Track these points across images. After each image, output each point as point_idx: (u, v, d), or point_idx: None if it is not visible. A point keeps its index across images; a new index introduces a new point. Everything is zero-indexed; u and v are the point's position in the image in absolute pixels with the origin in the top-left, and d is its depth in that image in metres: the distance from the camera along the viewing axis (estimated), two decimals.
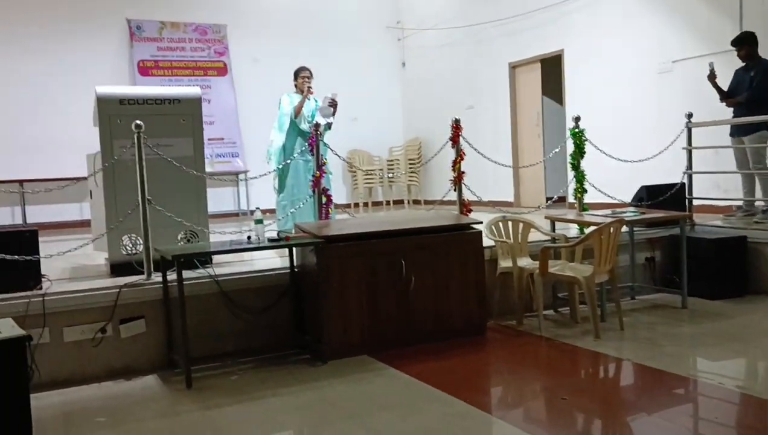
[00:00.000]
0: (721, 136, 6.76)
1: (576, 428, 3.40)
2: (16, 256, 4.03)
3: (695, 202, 6.60)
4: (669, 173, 6.61)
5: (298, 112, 6.22)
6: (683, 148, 6.45)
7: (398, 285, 4.52)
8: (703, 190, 6.78)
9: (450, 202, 6.25)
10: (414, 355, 4.38)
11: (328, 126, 6.06)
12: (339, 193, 10.00)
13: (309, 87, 6.31)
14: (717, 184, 7.19)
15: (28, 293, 4.06)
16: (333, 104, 6.13)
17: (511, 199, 9.92)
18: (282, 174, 6.26)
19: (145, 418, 3.56)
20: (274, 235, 4.53)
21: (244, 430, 3.44)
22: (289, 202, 6.16)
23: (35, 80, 9.70)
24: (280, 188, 6.30)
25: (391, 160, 11.96)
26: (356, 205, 11.19)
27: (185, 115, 4.93)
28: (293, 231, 4.93)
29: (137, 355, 4.34)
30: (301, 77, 6.38)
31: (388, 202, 11.87)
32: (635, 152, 6.77)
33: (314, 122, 5.65)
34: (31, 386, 3.37)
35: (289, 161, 6.09)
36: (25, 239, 4.15)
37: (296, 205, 5.95)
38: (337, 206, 5.89)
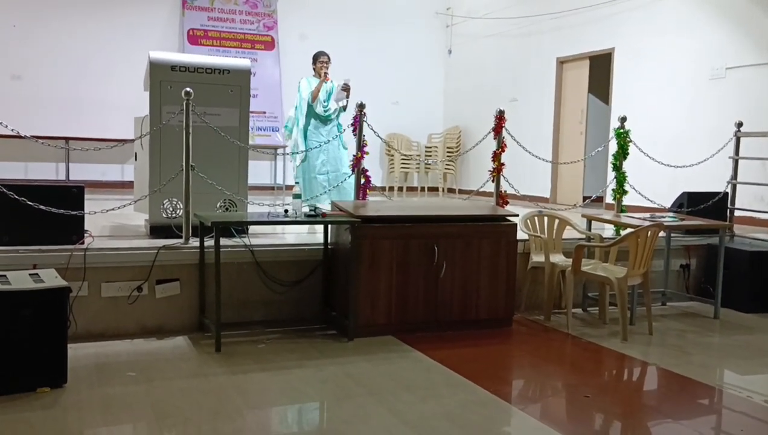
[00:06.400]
0: None
1: (596, 427, 3.40)
2: (62, 211, 4.16)
3: (737, 214, 6.48)
4: (713, 182, 6.48)
5: (315, 96, 6.53)
6: (729, 158, 6.32)
7: (429, 270, 4.55)
8: (746, 201, 6.64)
9: (486, 194, 6.24)
10: (439, 341, 4.42)
11: (343, 108, 6.57)
12: (375, 176, 9.95)
13: (326, 73, 6.59)
14: (761, 196, 7.04)
15: (71, 247, 4.18)
16: (346, 89, 6.50)
17: (546, 194, 9.83)
18: (295, 153, 6.56)
19: (174, 377, 3.66)
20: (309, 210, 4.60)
21: (269, 397, 3.51)
22: (302, 178, 6.49)
23: (87, 41, 9.87)
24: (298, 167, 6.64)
25: (430, 147, 11.93)
26: (391, 188, 11.21)
27: (233, 86, 4.99)
28: (330, 208, 5.00)
29: (170, 316, 4.45)
30: (320, 62, 6.68)
31: (422, 189, 11.86)
32: (679, 158, 6.65)
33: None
34: (68, 336, 3.49)
35: (308, 150, 6.44)
36: (72, 195, 4.27)
37: (308, 182, 6.40)
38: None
